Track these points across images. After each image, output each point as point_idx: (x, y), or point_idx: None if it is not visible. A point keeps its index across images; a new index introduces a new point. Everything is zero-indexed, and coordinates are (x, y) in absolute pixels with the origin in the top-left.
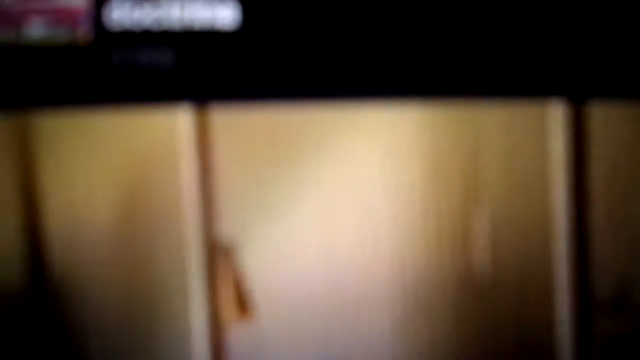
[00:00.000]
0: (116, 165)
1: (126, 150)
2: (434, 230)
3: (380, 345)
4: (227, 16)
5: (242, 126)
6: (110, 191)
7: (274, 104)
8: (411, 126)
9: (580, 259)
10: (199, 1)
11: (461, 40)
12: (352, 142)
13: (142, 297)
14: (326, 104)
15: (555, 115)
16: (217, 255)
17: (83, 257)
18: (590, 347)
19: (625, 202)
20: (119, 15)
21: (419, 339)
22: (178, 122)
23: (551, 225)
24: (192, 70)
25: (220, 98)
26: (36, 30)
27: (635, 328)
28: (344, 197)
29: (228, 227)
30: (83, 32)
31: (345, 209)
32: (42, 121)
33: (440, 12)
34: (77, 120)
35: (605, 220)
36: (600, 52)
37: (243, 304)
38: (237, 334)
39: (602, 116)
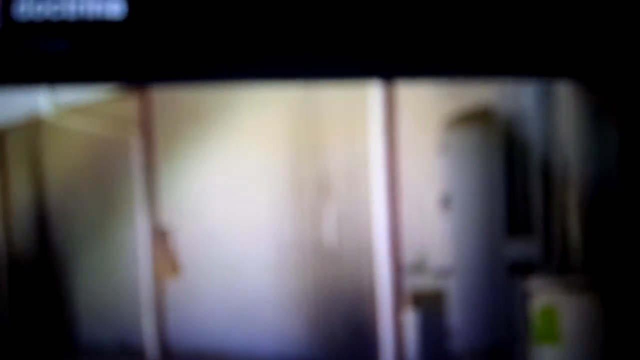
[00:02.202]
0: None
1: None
2: (297, 209)
3: (265, 289)
4: (115, 9)
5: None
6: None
7: (163, 86)
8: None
9: (392, 233)
10: None
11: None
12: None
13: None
14: (211, 86)
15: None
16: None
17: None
18: (402, 297)
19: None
20: (25, 8)
21: (289, 285)
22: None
23: (373, 210)
24: (85, 56)
25: (112, 80)
26: None
27: (431, 282)
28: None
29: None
30: None
31: (241, 189)
32: None
33: None
34: None
35: (412, 205)
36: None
37: (174, 265)
38: (173, 286)
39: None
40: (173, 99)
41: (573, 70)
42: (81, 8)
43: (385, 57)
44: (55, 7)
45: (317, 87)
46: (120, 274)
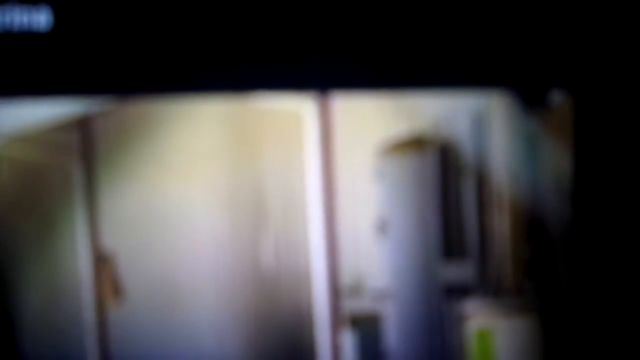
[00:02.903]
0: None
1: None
2: (235, 233)
3: (206, 313)
4: (41, 20)
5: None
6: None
7: (90, 98)
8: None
9: (330, 257)
10: (17, 7)
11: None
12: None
13: (53, 289)
14: (140, 98)
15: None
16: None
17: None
18: (339, 319)
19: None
20: None
21: (229, 308)
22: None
23: (310, 234)
24: (9, 68)
25: (37, 94)
26: None
27: (368, 305)
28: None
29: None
30: None
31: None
32: None
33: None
34: None
35: (349, 230)
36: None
37: (115, 290)
38: (115, 310)
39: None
40: (113, 123)
41: (511, 79)
42: (7, 19)
43: (319, 68)
44: None
45: (251, 103)
46: (63, 299)
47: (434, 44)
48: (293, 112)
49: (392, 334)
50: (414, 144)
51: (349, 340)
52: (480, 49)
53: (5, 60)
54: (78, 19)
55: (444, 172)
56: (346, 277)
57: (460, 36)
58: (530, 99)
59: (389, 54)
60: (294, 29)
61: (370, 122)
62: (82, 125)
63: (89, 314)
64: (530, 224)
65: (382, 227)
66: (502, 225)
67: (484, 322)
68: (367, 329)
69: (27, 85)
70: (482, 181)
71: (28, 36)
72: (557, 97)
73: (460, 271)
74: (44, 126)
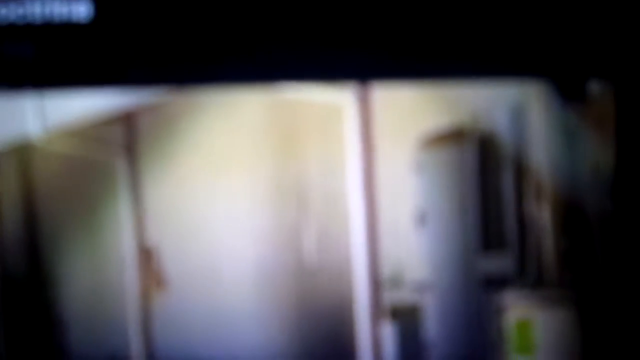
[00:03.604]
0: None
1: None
2: (277, 225)
3: (247, 304)
4: (82, 11)
5: None
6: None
7: (130, 90)
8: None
9: (370, 249)
10: None
11: None
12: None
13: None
14: (178, 90)
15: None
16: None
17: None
18: (379, 311)
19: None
20: None
21: (270, 299)
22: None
23: (351, 225)
24: (50, 60)
25: (77, 86)
26: None
27: (408, 297)
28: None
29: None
30: None
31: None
32: None
33: None
34: None
35: (389, 222)
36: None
37: (159, 281)
38: (159, 302)
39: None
40: (157, 117)
41: (549, 69)
42: (47, 11)
43: (359, 58)
44: (20, 10)
45: (292, 96)
46: (107, 290)
47: (473, 34)
48: (334, 104)
49: (432, 326)
50: (454, 137)
51: (389, 332)
52: (518, 38)
53: (45, 51)
54: (118, 10)
55: (483, 164)
56: (386, 269)
57: (499, 25)
58: (569, 89)
59: (428, 44)
60: (334, 19)
61: (410, 115)
62: (127, 120)
63: (133, 306)
64: (570, 215)
65: (422, 219)
66: (541, 216)
67: (523, 313)
68: (406, 320)
69: (67, 77)
70: (521, 173)
71: (68, 27)
72: (596, 88)
73: (500, 262)
74: (89, 121)
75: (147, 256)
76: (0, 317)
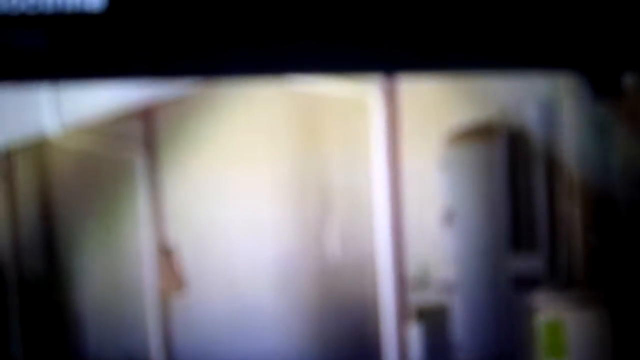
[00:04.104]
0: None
1: None
2: (300, 222)
3: (269, 303)
4: (94, 1)
5: None
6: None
7: (144, 81)
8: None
9: (396, 247)
10: None
11: None
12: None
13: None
14: (191, 81)
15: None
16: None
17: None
18: (405, 311)
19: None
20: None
21: (292, 298)
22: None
23: (376, 223)
24: (63, 50)
25: (90, 77)
26: None
27: (434, 297)
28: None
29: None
30: None
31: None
32: None
33: None
34: None
35: (415, 220)
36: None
37: (179, 281)
38: (178, 301)
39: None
40: (175, 113)
41: (581, 62)
42: (59, 0)
43: (385, 49)
44: (32, 0)
45: (317, 90)
46: (126, 290)
47: (502, 24)
48: (359, 99)
49: (459, 327)
50: (482, 132)
51: (415, 333)
52: (549, 29)
53: (58, 42)
54: (131, 0)
55: (512, 160)
56: (412, 268)
57: (529, 16)
58: (601, 83)
59: (456, 34)
60: (360, 9)
61: (437, 110)
62: (145, 116)
63: (152, 307)
64: (602, 212)
65: (449, 218)
66: (573, 215)
67: (554, 314)
68: (433, 321)
69: (81, 68)
70: (552, 170)
71: (82, 17)
72: (630, 81)
73: (530, 262)
74: (107, 117)
75: (166, 256)
76: (17, 317)
